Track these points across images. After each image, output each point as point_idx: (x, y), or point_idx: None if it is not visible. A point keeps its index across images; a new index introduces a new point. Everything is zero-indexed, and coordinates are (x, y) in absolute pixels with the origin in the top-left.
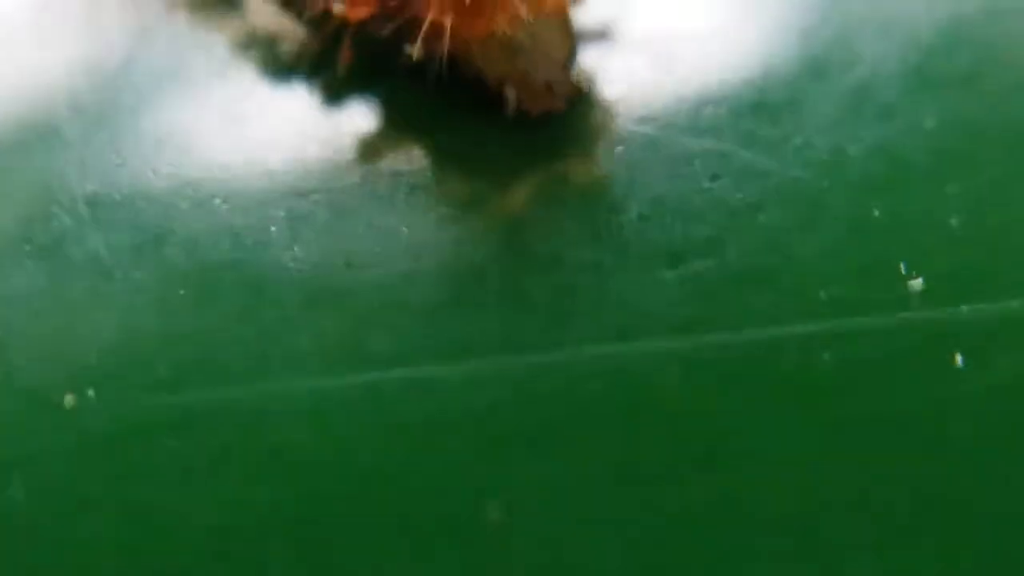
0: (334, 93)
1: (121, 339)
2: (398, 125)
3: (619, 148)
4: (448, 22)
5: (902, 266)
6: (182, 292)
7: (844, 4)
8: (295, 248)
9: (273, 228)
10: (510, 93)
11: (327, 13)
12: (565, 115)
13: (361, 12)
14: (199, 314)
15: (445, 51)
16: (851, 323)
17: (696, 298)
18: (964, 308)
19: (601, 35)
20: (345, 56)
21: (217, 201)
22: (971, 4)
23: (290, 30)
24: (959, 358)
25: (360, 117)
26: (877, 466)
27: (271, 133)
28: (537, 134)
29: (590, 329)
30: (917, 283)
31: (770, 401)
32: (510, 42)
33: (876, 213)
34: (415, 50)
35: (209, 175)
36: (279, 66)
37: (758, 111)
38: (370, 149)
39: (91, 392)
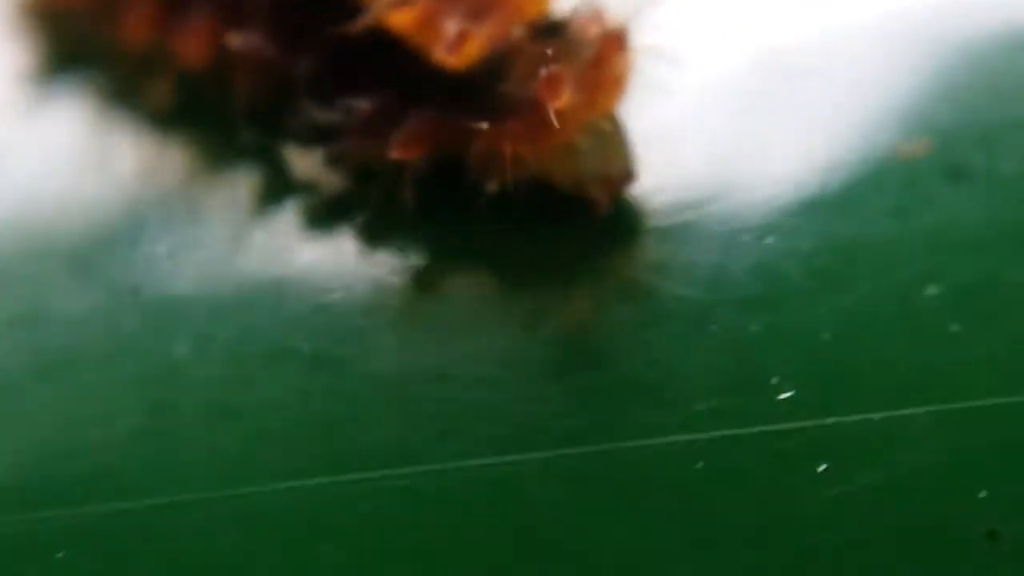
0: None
1: (19, 454)
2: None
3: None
4: (514, 146)
5: (775, 379)
6: (86, 409)
7: (735, 137)
8: (202, 367)
9: (179, 346)
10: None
11: (377, 157)
12: None
13: (413, 152)
14: (101, 430)
15: (509, 171)
16: (725, 434)
17: (580, 411)
18: (830, 420)
19: None
20: (409, 194)
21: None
22: (844, 129)
23: (327, 177)
24: (823, 467)
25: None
26: (745, 571)
27: None
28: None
29: (475, 441)
30: (788, 395)
31: (648, 510)
32: (571, 147)
33: (753, 328)
34: (492, 183)
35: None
36: (317, 211)
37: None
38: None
39: None
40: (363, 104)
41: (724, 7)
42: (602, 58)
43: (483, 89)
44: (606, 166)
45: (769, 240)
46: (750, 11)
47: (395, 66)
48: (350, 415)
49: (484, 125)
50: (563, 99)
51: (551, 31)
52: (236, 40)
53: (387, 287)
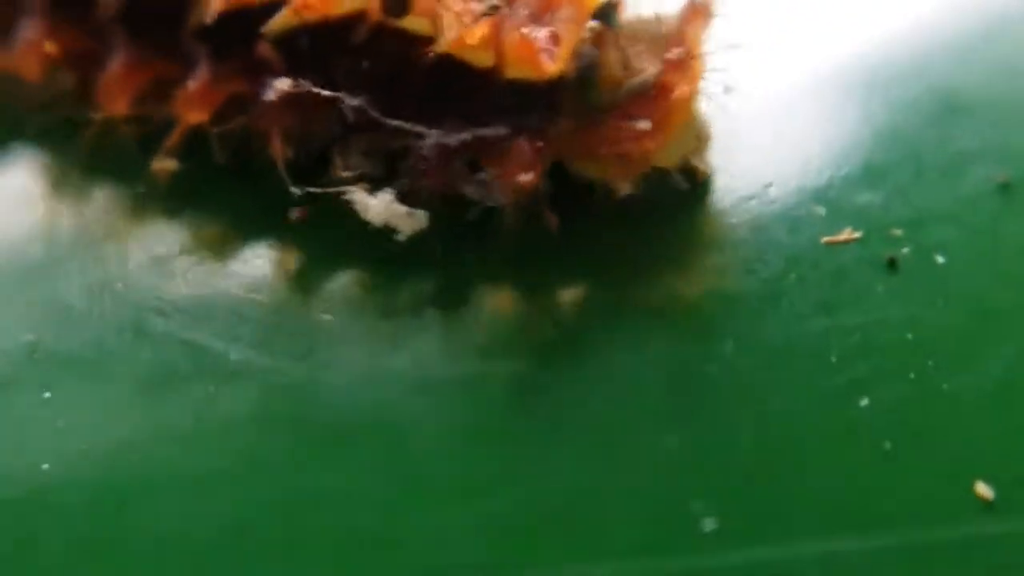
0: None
1: None
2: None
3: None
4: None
5: (697, 505)
6: None
7: None
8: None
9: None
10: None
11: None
12: None
13: (530, 180)
14: None
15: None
16: (645, 564)
17: (490, 539)
18: (758, 550)
19: None
20: (551, 220)
21: None
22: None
23: (408, 217)
24: None
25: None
26: None
27: None
28: None
29: (383, 571)
30: (710, 522)
31: None
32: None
33: (673, 445)
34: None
35: None
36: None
37: None
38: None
39: None
40: (436, 135)
41: None
42: (684, 31)
43: (574, 92)
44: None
45: (689, 344)
46: None
47: (463, 92)
48: None
49: (645, 125)
50: (695, 80)
51: (611, 12)
52: (283, 87)
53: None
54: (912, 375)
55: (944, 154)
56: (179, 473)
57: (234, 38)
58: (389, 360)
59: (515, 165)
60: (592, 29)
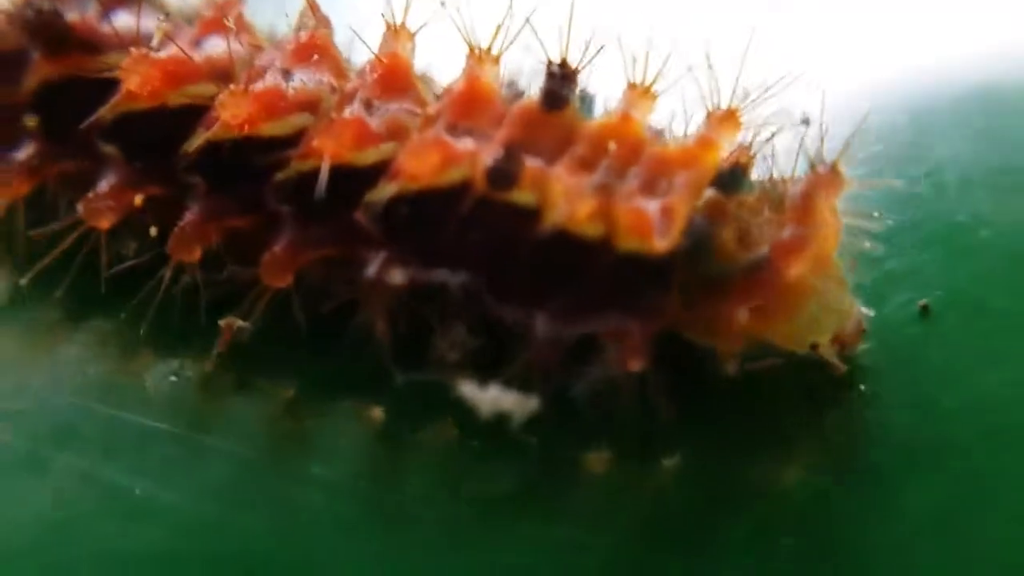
0: None
1: None
2: None
3: None
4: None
5: None
6: None
7: None
8: None
9: None
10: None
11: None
12: None
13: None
14: None
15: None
16: None
17: None
18: None
19: None
20: (666, 408)
21: None
22: None
23: (521, 404)
24: None
25: None
26: None
27: None
28: None
29: None
30: None
31: None
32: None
33: None
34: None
35: None
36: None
37: None
38: None
39: None
40: (544, 322)
41: None
42: (811, 199)
43: (684, 264)
44: (837, 323)
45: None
46: None
47: (572, 266)
48: None
49: (745, 308)
50: (806, 260)
51: (733, 179)
52: (396, 280)
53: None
54: None
55: None
56: None
57: (327, 201)
58: None
59: (625, 352)
60: (708, 198)
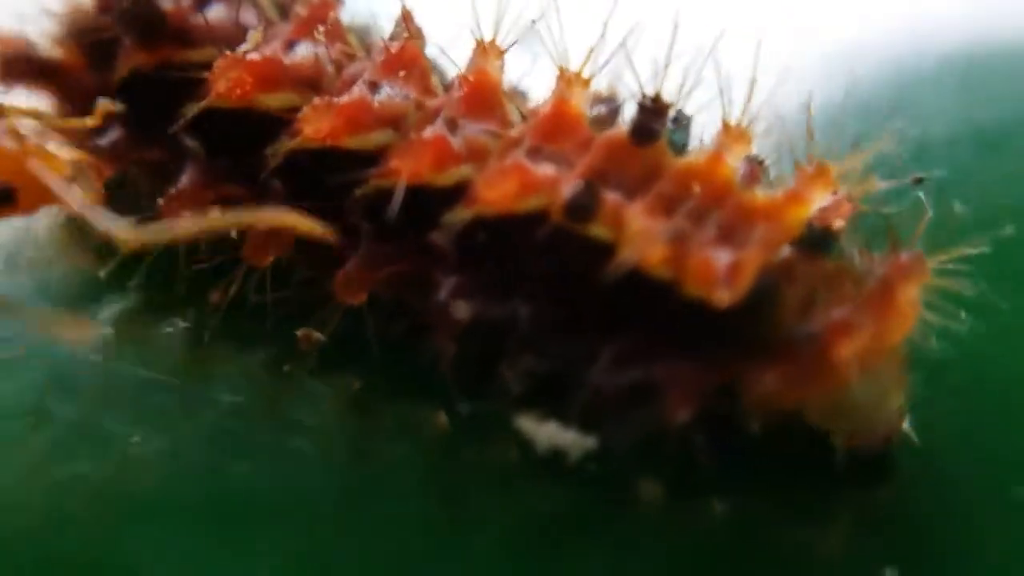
0: None
1: None
2: None
3: None
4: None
5: None
6: None
7: None
8: None
9: None
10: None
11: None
12: None
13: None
14: None
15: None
16: None
17: None
18: None
19: None
20: (707, 459)
21: None
22: None
23: (578, 440)
24: None
25: None
26: None
27: None
28: None
29: None
30: None
31: None
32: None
33: None
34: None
35: None
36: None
37: None
38: None
39: None
40: (606, 363)
41: None
42: (890, 285)
43: (746, 323)
44: (877, 415)
45: None
46: None
47: (638, 303)
48: None
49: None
50: (855, 347)
51: (820, 241)
52: (462, 313)
53: None
54: None
55: None
56: (75, 563)
57: (404, 220)
58: None
59: (675, 401)
60: (783, 257)
